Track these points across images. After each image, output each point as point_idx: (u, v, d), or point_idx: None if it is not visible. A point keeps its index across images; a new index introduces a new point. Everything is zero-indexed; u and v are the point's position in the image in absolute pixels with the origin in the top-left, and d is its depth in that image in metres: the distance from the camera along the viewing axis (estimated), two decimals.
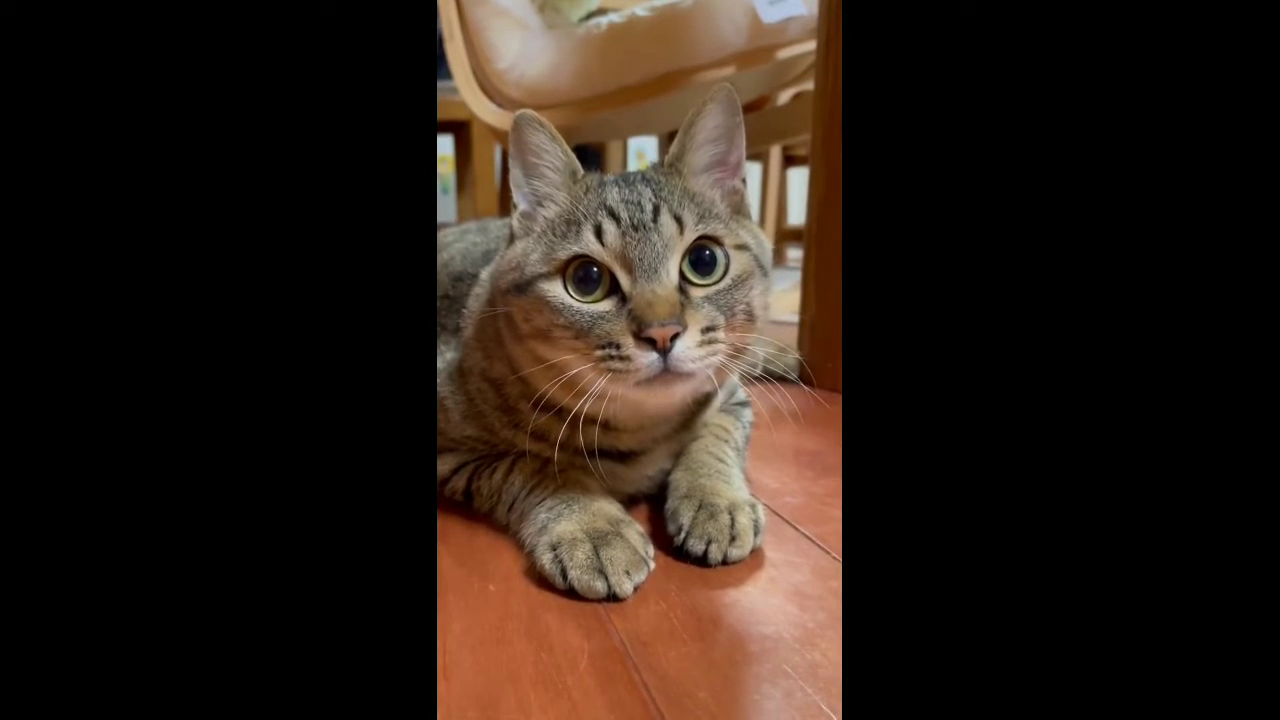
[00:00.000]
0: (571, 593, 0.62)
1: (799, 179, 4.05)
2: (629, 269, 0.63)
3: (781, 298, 1.85)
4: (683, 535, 0.69)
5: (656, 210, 0.64)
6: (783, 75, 2.23)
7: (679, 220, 0.64)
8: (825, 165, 1.30)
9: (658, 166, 0.70)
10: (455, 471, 0.81)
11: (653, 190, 0.66)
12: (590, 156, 3.77)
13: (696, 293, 0.64)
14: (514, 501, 0.73)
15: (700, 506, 0.70)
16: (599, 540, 0.64)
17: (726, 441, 0.81)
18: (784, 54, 1.98)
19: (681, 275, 0.64)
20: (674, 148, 0.69)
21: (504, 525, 0.75)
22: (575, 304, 0.63)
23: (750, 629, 0.58)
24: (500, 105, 2.12)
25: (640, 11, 1.95)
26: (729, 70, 1.96)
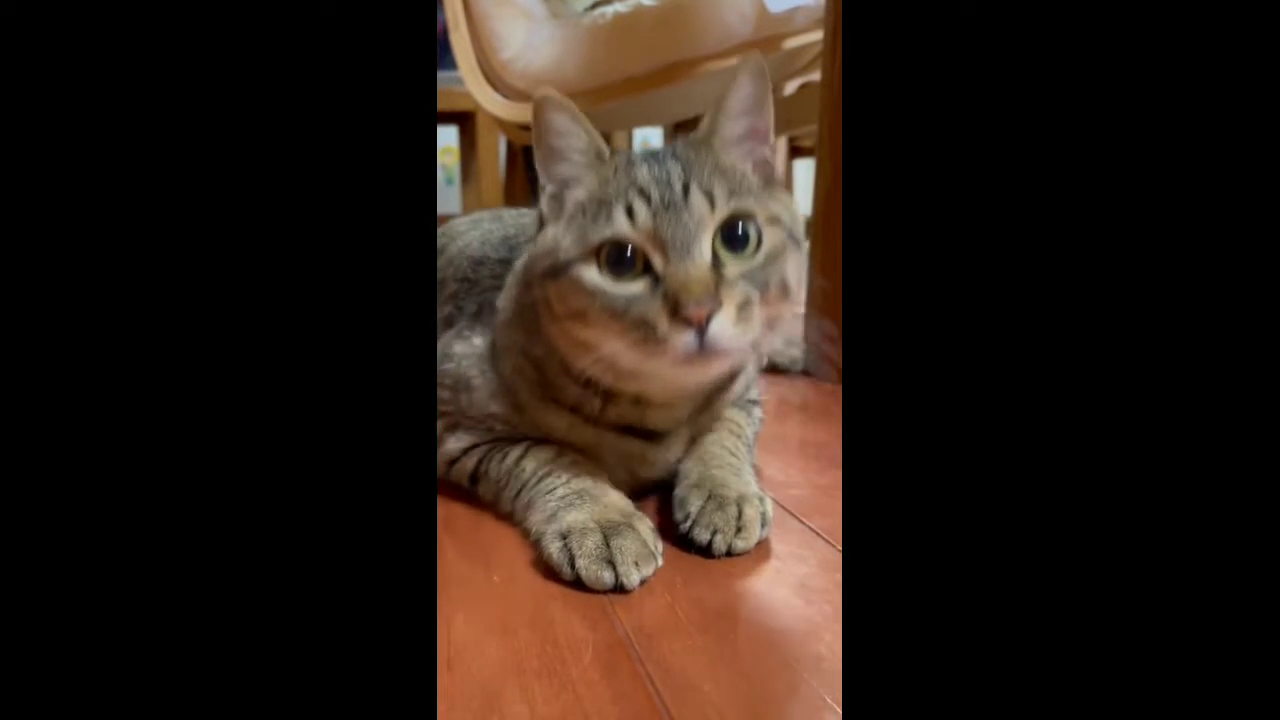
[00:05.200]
0: (578, 583, 0.62)
1: (805, 170, 4.03)
2: (661, 249, 0.62)
3: None
4: (689, 523, 0.69)
5: (686, 188, 0.64)
6: (789, 65, 2.22)
7: (710, 197, 0.64)
8: (831, 156, 1.29)
9: (689, 142, 0.70)
10: (466, 451, 0.80)
11: (682, 167, 0.66)
12: None
13: (731, 270, 0.63)
14: (522, 488, 0.73)
15: (709, 497, 0.70)
16: (610, 530, 0.64)
17: (739, 436, 0.81)
18: (790, 44, 1.97)
19: (715, 253, 0.63)
20: (705, 123, 0.69)
21: (508, 512, 0.74)
22: (609, 288, 0.63)
23: (755, 622, 0.58)
24: (505, 96, 2.11)
25: (646, 1, 1.94)
26: (735, 60, 1.95)
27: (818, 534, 0.73)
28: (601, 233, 0.64)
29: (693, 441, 0.80)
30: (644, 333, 0.61)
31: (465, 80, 2.13)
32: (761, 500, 0.71)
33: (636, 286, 0.63)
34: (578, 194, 0.68)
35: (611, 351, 0.63)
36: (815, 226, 1.38)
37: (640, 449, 0.76)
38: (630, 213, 0.63)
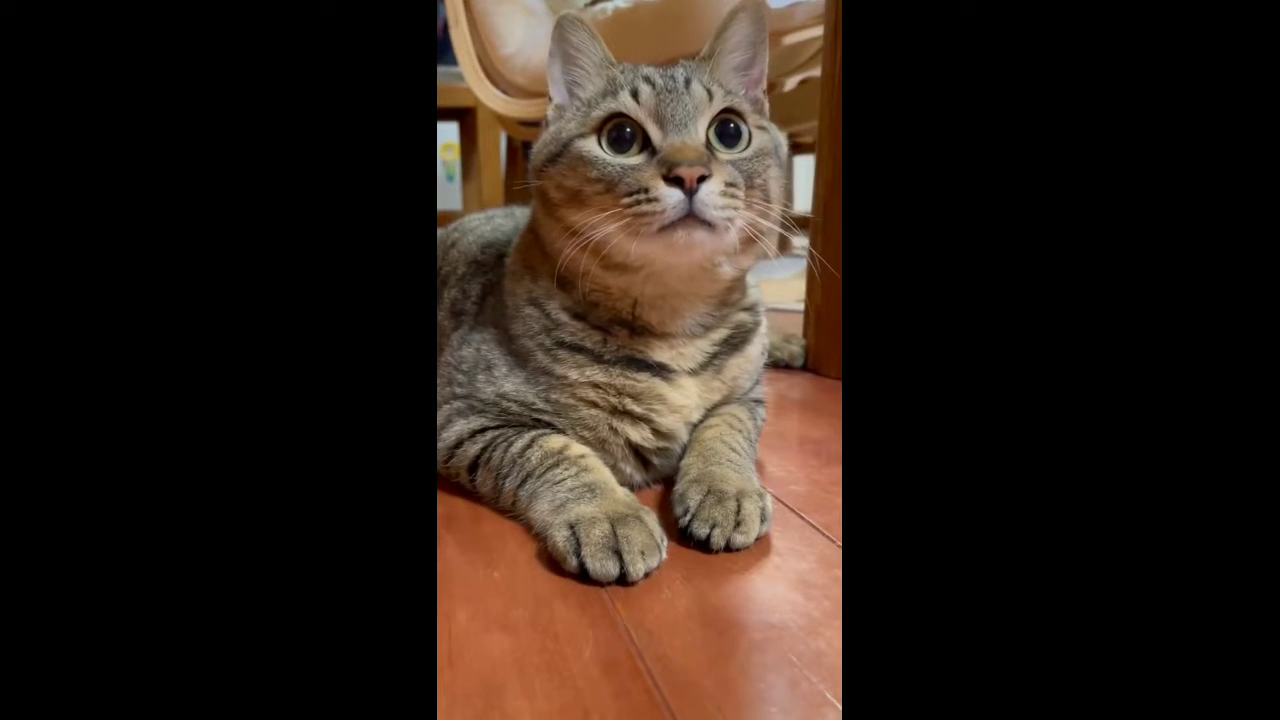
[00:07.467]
0: (582, 574, 0.62)
1: (805, 166, 4.02)
2: (661, 124, 0.69)
3: (786, 286, 1.84)
4: (688, 517, 0.69)
5: (688, 81, 0.72)
6: (789, 61, 2.22)
7: (709, 91, 0.71)
8: (831, 152, 1.29)
9: (693, 60, 0.77)
10: (474, 435, 0.79)
11: (685, 70, 0.74)
12: None
13: (721, 155, 0.70)
14: (527, 477, 0.72)
15: (709, 492, 0.70)
16: (617, 520, 0.64)
17: (740, 431, 0.81)
18: (790, 39, 1.97)
19: (708, 140, 0.70)
20: (705, 50, 0.77)
21: (508, 504, 0.74)
22: (608, 158, 0.69)
23: (755, 617, 0.58)
24: (505, 92, 2.11)
25: None
26: None
27: (818, 530, 0.73)
28: (607, 107, 0.71)
29: (709, 414, 0.82)
30: (636, 198, 0.66)
31: (465, 76, 2.13)
32: (761, 496, 0.71)
33: (634, 159, 0.69)
34: (585, 92, 0.76)
35: (600, 231, 0.68)
36: (816, 222, 1.37)
37: (656, 388, 0.77)
38: (635, 93, 0.70)
